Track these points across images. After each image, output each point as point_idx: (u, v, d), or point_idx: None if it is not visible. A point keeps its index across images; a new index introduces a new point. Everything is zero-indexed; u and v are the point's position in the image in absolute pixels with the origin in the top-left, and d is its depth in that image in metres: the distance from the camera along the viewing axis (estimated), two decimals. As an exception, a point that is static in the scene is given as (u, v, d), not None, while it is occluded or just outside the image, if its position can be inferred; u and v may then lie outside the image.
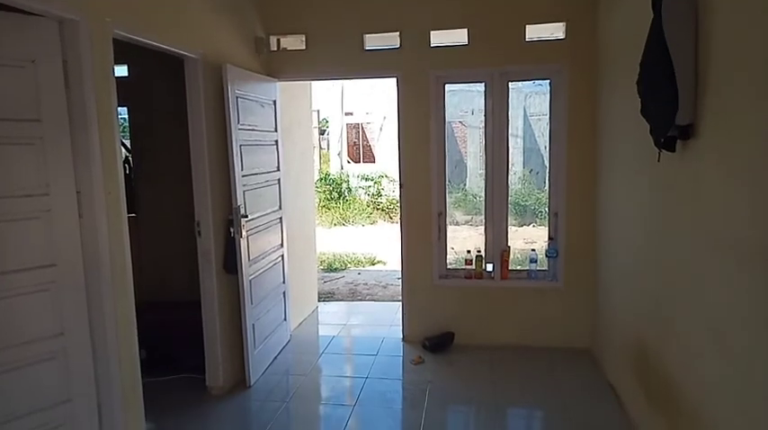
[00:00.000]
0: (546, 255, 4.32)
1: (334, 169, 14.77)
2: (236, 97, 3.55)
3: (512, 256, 4.45)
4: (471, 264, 4.40)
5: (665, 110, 2.25)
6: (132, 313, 2.67)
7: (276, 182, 4.21)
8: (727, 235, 2.04)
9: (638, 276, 3.10)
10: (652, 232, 2.83)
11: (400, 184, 4.36)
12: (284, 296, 4.36)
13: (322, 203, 12.58)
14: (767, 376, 1.77)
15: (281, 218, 4.28)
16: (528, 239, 4.51)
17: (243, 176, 3.60)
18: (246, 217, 3.59)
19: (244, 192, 3.61)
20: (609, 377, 3.64)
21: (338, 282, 6.98)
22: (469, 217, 10.19)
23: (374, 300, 6.14)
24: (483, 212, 4.43)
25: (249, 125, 3.73)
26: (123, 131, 5.40)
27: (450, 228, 4.56)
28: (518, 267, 4.59)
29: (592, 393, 3.51)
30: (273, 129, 4.17)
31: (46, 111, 2.29)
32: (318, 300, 5.61)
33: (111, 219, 2.52)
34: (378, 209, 12.81)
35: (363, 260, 8.28)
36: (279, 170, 4.24)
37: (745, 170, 1.92)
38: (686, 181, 2.39)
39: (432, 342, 4.25)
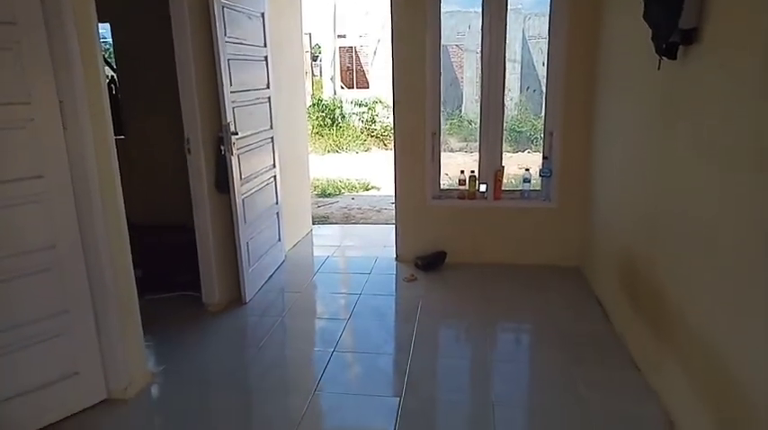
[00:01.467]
0: (540, 175, 4.30)
1: (326, 95, 14.45)
2: (222, 6, 3.38)
3: (506, 181, 4.44)
4: (465, 185, 4.39)
5: (670, 12, 2.16)
6: (124, 228, 2.66)
7: (266, 100, 4.10)
8: (725, 144, 2.01)
9: (632, 192, 3.10)
10: (649, 146, 2.80)
11: (394, 101, 4.26)
12: (278, 217, 4.37)
13: (315, 130, 12.40)
14: (751, 279, 1.81)
15: (272, 138, 4.21)
16: (522, 166, 4.53)
17: (232, 93, 3.50)
18: (237, 134, 3.52)
19: (233, 108, 3.52)
20: (597, 292, 3.73)
21: (332, 207, 7.00)
22: (464, 143, 10.10)
23: (368, 224, 6.19)
24: (478, 137, 4.37)
25: (237, 38, 3.58)
26: (108, 52, 5.22)
27: (444, 155, 4.52)
28: (512, 187, 4.59)
29: (579, 307, 3.61)
30: (262, 44, 4.02)
31: (20, 13, 2.18)
32: (312, 224, 5.63)
33: (96, 132, 2.46)
34: (372, 136, 12.67)
35: (357, 186, 8.27)
36: (269, 88, 4.12)
37: (747, 76, 1.86)
38: (686, 88, 2.33)
39: (424, 261, 4.31)
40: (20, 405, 2.34)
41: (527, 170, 4.41)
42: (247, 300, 3.75)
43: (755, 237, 1.79)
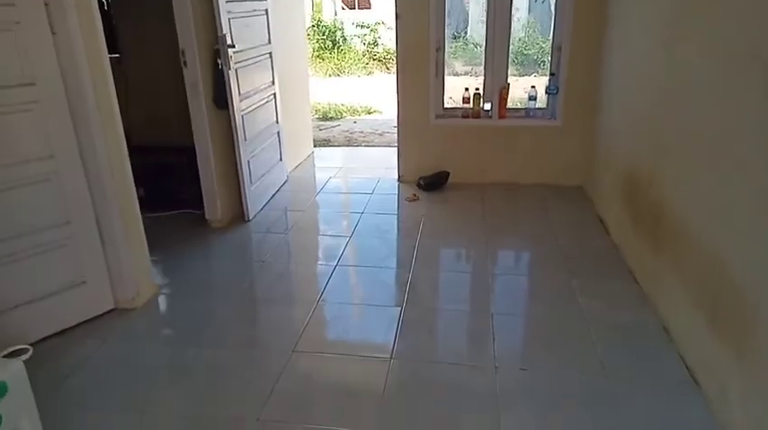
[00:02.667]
0: (546, 93, 4.19)
1: (327, 16, 13.92)
2: None
3: (510, 104, 4.33)
4: (469, 103, 4.29)
5: None
6: (122, 141, 2.61)
7: (264, 12, 3.93)
8: (741, 47, 1.93)
9: (640, 108, 3.02)
10: (661, 57, 2.70)
11: (396, 15, 4.09)
12: (278, 136, 4.30)
13: (315, 53, 12.04)
14: (754, 188, 1.78)
15: (270, 53, 4.07)
16: (528, 89, 4.41)
17: (227, 2, 3.35)
18: (234, 47, 3.40)
19: (229, 19, 3.38)
20: (598, 210, 3.73)
21: (333, 131, 6.91)
22: (470, 68, 9.81)
23: (370, 147, 6.12)
24: (483, 58, 4.22)
25: (230, -56, 3.38)
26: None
27: (449, 79, 4.39)
28: (517, 106, 4.49)
29: (580, 224, 3.62)
30: (257, -47, 3.81)
31: None
32: (314, 147, 5.57)
33: (87, 41, 2.37)
34: (374, 59, 12.31)
35: (359, 109, 8.12)
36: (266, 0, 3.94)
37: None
38: (704, -11, 2.21)
39: (427, 180, 4.29)
40: (31, 311, 2.39)
41: (532, 87, 4.29)
42: (250, 218, 3.76)
43: (760, 149, 1.74)
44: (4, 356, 1.65)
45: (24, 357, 1.62)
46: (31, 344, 1.74)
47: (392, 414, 2.04)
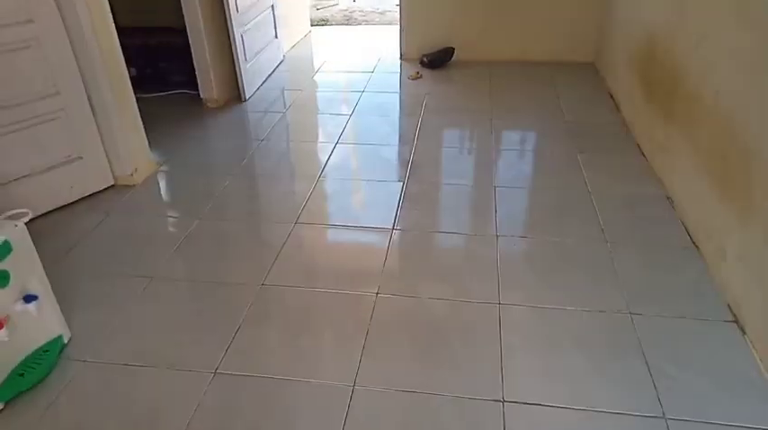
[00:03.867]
0: (560, -42, 3.88)
1: None
2: None
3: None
4: (476, -29, 3.98)
5: None
6: (107, 11, 2.44)
7: None
8: None
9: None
10: None
11: None
12: (272, 10, 4.05)
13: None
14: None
15: None
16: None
17: None
18: None
19: None
20: (609, 86, 3.59)
21: (331, 10, 6.53)
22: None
23: (370, 26, 5.81)
24: None
25: None
26: None
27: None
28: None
29: (590, 100, 3.50)
30: None
31: None
32: (311, 26, 5.27)
33: None
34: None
35: (359, -12, 7.61)
36: None
37: None
38: None
39: (430, 57, 4.10)
40: (31, 185, 2.37)
41: (546, -48, 3.96)
42: (247, 98, 3.64)
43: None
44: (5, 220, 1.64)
45: (25, 219, 1.61)
46: (33, 219, 1.73)
47: (395, 277, 2.07)
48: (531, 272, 2.09)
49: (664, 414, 1.53)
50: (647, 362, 1.68)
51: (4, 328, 1.53)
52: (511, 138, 3.21)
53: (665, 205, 2.43)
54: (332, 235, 2.36)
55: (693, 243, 2.18)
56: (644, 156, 2.81)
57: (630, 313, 1.87)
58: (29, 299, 1.61)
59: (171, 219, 2.49)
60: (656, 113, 2.69)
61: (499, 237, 2.28)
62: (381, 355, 1.74)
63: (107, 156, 2.60)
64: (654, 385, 1.61)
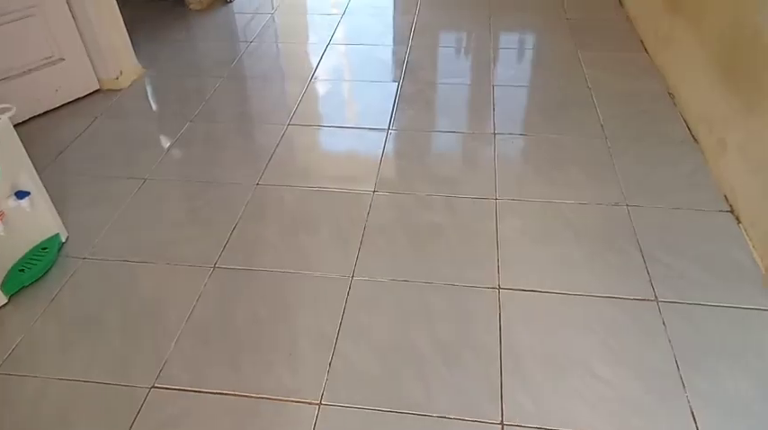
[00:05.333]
0: None
1: None
2: None
3: None
4: None
5: None
6: None
7: None
8: None
9: None
10: None
11: None
12: None
13: None
14: None
15: None
16: None
17: None
18: None
19: None
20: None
21: None
22: None
23: None
24: None
25: None
26: None
27: None
28: None
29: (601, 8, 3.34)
30: None
31: None
32: None
33: None
34: None
35: None
36: None
37: None
38: None
39: (425, -47, 3.85)
40: (12, 88, 2.28)
41: None
42: (231, 0, 3.46)
43: None
44: (-13, 115, 1.58)
45: (9, 114, 1.56)
46: (17, 126, 1.67)
47: (391, 176, 2.05)
48: (530, 168, 2.07)
49: (656, 297, 1.56)
50: (641, 251, 1.70)
51: (0, 221, 1.52)
52: (510, 36, 3.08)
53: (666, 101, 2.37)
54: (326, 136, 2.31)
55: (693, 137, 2.15)
56: (647, 52, 2.71)
57: (627, 205, 1.87)
58: (21, 195, 1.59)
59: (161, 123, 2.42)
60: (662, 5, 2.57)
61: (497, 135, 2.24)
62: (379, 250, 1.75)
63: (89, 57, 2.49)
64: (647, 271, 1.64)
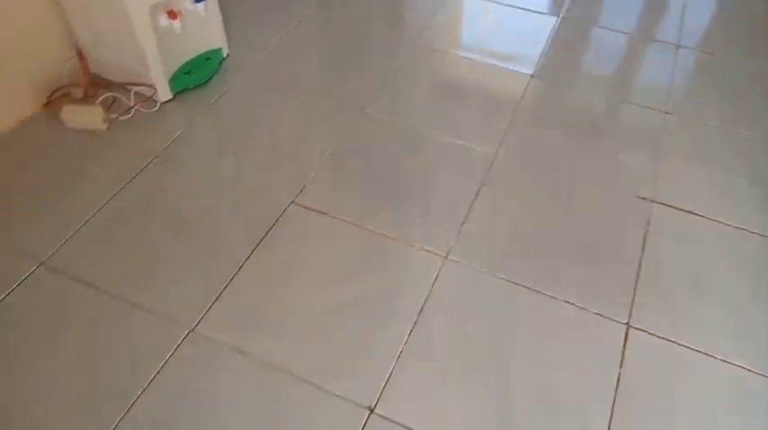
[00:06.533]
0: None
1: None
2: None
3: None
4: None
5: None
6: None
7: None
8: None
9: None
10: None
11: None
12: None
13: None
14: None
15: None
16: None
17: None
18: None
19: None
20: None
21: None
22: None
23: None
24: None
25: None
26: None
27: None
28: None
29: None
30: None
31: None
32: None
33: None
34: None
35: None
36: None
37: None
38: None
39: None
40: None
41: None
42: None
43: None
44: None
45: None
46: None
47: (551, 66, 1.91)
48: (709, 88, 1.85)
49: (830, 249, 1.39)
50: (823, 200, 1.51)
51: (178, 19, 1.57)
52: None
53: None
54: (492, 11, 2.17)
55: None
56: None
57: (818, 150, 1.64)
58: (199, -1, 1.63)
59: None
60: None
61: (679, 48, 2.00)
62: (527, 136, 1.66)
63: None
64: (826, 222, 1.46)
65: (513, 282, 1.29)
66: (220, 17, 1.77)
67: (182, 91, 1.70)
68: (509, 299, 1.27)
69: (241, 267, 1.29)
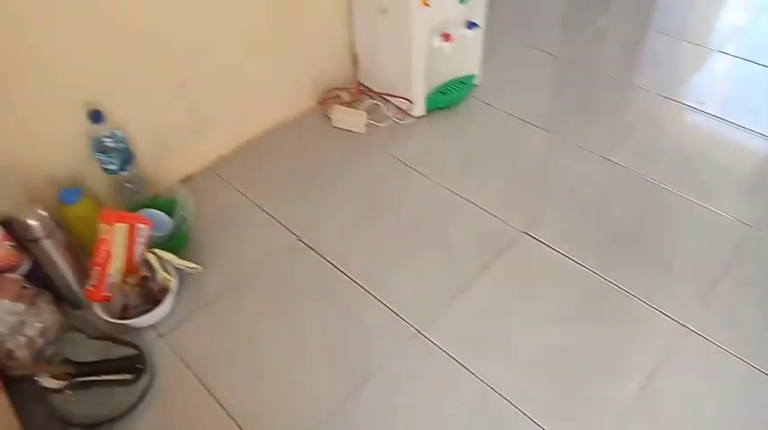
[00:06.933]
0: None
1: None
2: None
3: None
4: None
5: None
6: None
7: None
8: None
9: None
10: None
11: None
12: None
13: None
14: None
15: None
16: None
17: None
18: None
19: None
20: None
21: None
22: None
23: None
24: None
25: None
26: None
27: None
28: None
29: None
30: None
31: None
32: None
33: None
34: None
35: None
36: None
37: None
38: None
39: None
40: None
41: None
42: None
43: None
44: None
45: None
46: None
47: None
48: None
49: None
50: None
51: (450, 42, 1.69)
52: None
53: None
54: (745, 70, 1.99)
55: None
56: None
57: None
58: (471, 26, 1.73)
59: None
60: None
61: None
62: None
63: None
64: None
65: (761, 371, 1.16)
66: (481, 45, 1.87)
67: (434, 109, 1.83)
68: (751, 384, 1.14)
69: (472, 283, 1.34)
